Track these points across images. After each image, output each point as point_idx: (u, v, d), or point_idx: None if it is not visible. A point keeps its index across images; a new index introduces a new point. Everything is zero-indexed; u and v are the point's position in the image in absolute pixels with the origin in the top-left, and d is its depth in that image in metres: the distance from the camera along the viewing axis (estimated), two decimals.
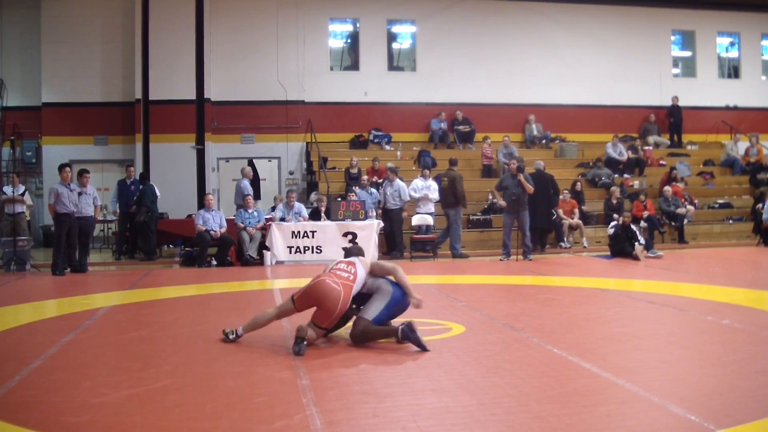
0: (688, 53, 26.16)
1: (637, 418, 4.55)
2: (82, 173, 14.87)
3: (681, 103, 24.36)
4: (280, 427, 4.50)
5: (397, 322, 6.90)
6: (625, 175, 21.86)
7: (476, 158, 22.49)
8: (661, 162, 23.23)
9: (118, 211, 17.85)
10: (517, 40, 23.97)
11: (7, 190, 16.29)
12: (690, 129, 24.99)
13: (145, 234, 17.17)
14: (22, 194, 16.40)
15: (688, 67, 26.20)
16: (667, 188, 19.76)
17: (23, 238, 15.39)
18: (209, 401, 5.10)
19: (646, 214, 18.44)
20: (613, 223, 16.75)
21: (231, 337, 7.00)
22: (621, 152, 22.37)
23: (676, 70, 26.16)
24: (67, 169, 14.62)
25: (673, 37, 25.69)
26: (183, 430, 4.46)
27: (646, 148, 23.59)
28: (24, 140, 22.31)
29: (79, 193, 14.51)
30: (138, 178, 18.25)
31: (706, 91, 25.41)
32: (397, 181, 17.75)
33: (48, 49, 21.46)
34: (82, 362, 6.40)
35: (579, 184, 19.86)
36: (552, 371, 5.79)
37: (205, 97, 21.20)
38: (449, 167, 17.45)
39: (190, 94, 21.02)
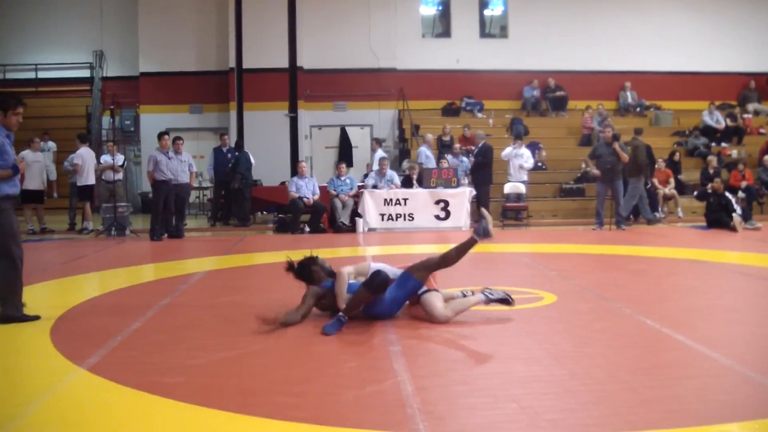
0: None
1: (729, 393, 4.49)
2: (175, 140, 15.30)
3: None
4: (371, 392, 4.54)
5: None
6: (723, 144, 21.25)
7: (569, 126, 22.25)
8: (760, 131, 22.46)
9: (213, 178, 18.27)
10: (610, 5, 23.39)
11: (107, 158, 16.80)
12: None
13: (239, 201, 17.55)
14: (122, 165, 16.90)
15: None
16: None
17: (123, 204, 15.91)
18: (299, 365, 5.21)
19: (744, 184, 17.88)
20: (700, 189, 16.43)
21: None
22: (718, 120, 21.73)
23: None
24: (166, 136, 15.04)
25: None
26: (274, 393, 4.56)
27: (746, 116, 22.80)
28: (122, 109, 23.02)
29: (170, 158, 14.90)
30: (233, 145, 18.61)
31: None
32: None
33: (145, 20, 22.00)
34: (178, 325, 6.61)
35: (677, 154, 19.41)
36: (643, 342, 5.76)
37: (298, 65, 21.41)
38: (634, 136, 17.07)
39: (283, 63, 21.26)
